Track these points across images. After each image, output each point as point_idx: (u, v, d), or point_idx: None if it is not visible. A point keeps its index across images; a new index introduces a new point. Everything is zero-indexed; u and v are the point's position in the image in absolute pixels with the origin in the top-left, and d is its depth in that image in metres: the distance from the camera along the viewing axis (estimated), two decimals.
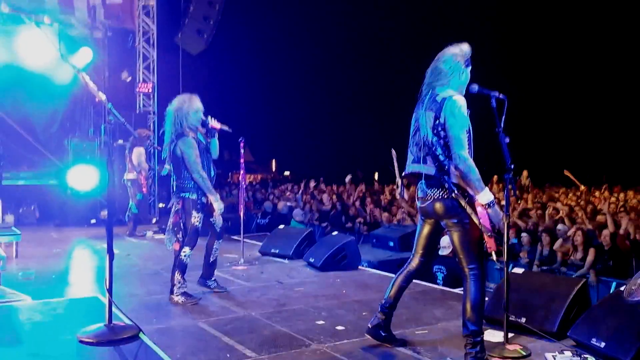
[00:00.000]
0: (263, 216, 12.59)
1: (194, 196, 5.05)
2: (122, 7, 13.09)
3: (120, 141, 10.61)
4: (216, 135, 5.41)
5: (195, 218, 5.09)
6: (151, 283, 5.97)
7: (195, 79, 17.98)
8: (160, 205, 13.40)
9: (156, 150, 12.13)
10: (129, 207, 9.64)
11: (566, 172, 14.68)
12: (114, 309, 4.09)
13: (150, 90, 13.68)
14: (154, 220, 11.99)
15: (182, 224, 5.12)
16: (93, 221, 11.26)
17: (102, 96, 4.32)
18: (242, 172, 7.38)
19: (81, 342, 3.88)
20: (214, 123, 5.35)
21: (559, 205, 10.33)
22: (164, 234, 9.73)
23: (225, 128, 5.48)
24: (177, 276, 5.06)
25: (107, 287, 4.02)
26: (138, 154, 9.46)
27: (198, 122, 5.15)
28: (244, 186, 7.65)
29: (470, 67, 3.67)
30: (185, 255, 5.10)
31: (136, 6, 13.40)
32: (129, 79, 13.61)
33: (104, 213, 10.84)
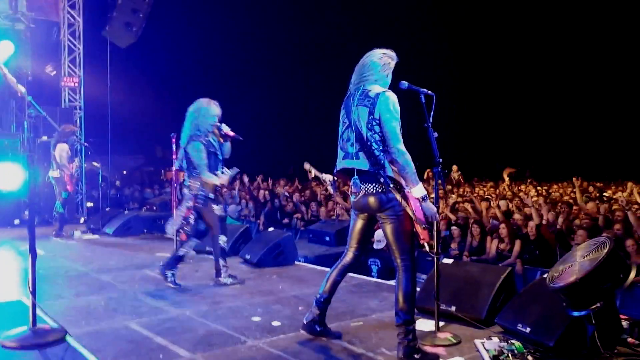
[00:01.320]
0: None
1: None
2: None
3: (45, 137, 10.16)
4: (229, 139, 5.78)
5: (217, 209, 5.57)
6: (79, 285, 5.75)
7: (124, 72, 17.46)
8: (89, 204, 12.94)
9: (83, 147, 11.71)
10: (55, 206, 9.25)
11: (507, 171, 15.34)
12: (38, 311, 3.92)
13: (76, 84, 13.17)
14: (82, 220, 11.57)
15: (193, 219, 5.51)
16: (17, 222, 10.72)
17: (22, 89, 4.12)
18: (174, 169, 7.21)
19: (3, 347, 3.70)
20: (226, 130, 5.70)
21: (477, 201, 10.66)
22: (93, 234, 9.52)
23: (237, 136, 5.82)
24: (221, 262, 5.64)
25: (30, 288, 3.84)
26: (61, 150, 9.06)
27: (212, 127, 5.54)
28: (177, 183, 7.49)
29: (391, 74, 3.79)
30: (223, 242, 5.63)
31: None
32: (53, 73, 13.07)
33: (27, 213, 10.36)
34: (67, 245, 8.59)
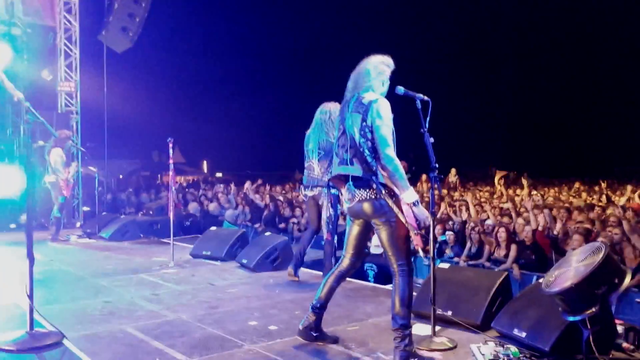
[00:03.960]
0: (186, 218, 12.30)
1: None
2: (42, 3, 12.56)
3: (41, 142, 10.15)
4: None
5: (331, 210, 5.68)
6: (75, 289, 5.75)
7: (121, 77, 17.48)
8: (85, 208, 12.91)
9: (80, 152, 11.69)
10: (52, 210, 9.24)
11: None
12: (35, 315, 3.92)
13: (72, 89, 13.17)
14: (77, 224, 11.55)
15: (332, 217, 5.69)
16: (13, 226, 10.70)
17: (20, 95, 4.13)
18: (171, 173, 7.22)
19: (1, 350, 3.70)
20: None
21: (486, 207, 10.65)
22: (89, 238, 9.52)
23: None
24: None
25: (28, 292, 3.85)
26: (55, 155, 9.06)
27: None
28: (174, 188, 7.50)
29: (389, 81, 3.80)
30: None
31: (57, 3, 12.88)
32: (49, 78, 13.05)
33: (24, 217, 10.35)
34: (64, 249, 8.59)
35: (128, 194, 16.29)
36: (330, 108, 5.75)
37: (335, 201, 5.74)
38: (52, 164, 9.03)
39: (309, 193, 5.86)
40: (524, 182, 15.17)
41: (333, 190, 5.70)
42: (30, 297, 3.86)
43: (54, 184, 9.08)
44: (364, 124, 3.55)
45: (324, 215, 5.72)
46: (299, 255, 6.05)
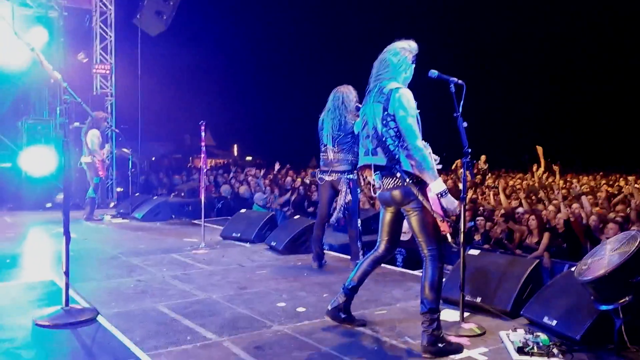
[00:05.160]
0: (217, 200, 12.47)
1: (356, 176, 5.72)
2: None
3: (77, 123, 10.37)
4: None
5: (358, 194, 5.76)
6: (109, 267, 5.89)
7: (154, 60, 17.67)
8: (119, 189, 13.17)
9: (114, 133, 11.90)
10: (88, 190, 9.45)
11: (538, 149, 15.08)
12: (71, 291, 4.03)
13: (107, 72, 13.38)
14: (111, 204, 11.80)
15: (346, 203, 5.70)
16: (49, 205, 10.99)
17: (57, 75, 4.22)
18: (203, 155, 7.29)
19: (38, 325, 3.82)
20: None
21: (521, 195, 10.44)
22: (122, 218, 9.70)
23: None
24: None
25: (64, 269, 3.96)
26: (92, 136, 9.24)
27: (355, 107, 5.65)
28: (205, 170, 7.58)
29: (414, 65, 3.74)
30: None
31: None
32: (85, 60, 13.28)
33: (60, 196, 10.62)
34: (98, 228, 8.79)
35: (160, 175, 16.55)
36: (344, 92, 5.65)
37: (355, 187, 5.70)
38: (88, 144, 9.23)
39: (327, 178, 5.77)
40: (556, 169, 14.86)
41: (351, 176, 5.66)
42: (66, 274, 3.96)
43: (90, 165, 9.28)
44: (385, 113, 3.53)
45: (340, 202, 5.70)
46: (317, 248, 5.98)
